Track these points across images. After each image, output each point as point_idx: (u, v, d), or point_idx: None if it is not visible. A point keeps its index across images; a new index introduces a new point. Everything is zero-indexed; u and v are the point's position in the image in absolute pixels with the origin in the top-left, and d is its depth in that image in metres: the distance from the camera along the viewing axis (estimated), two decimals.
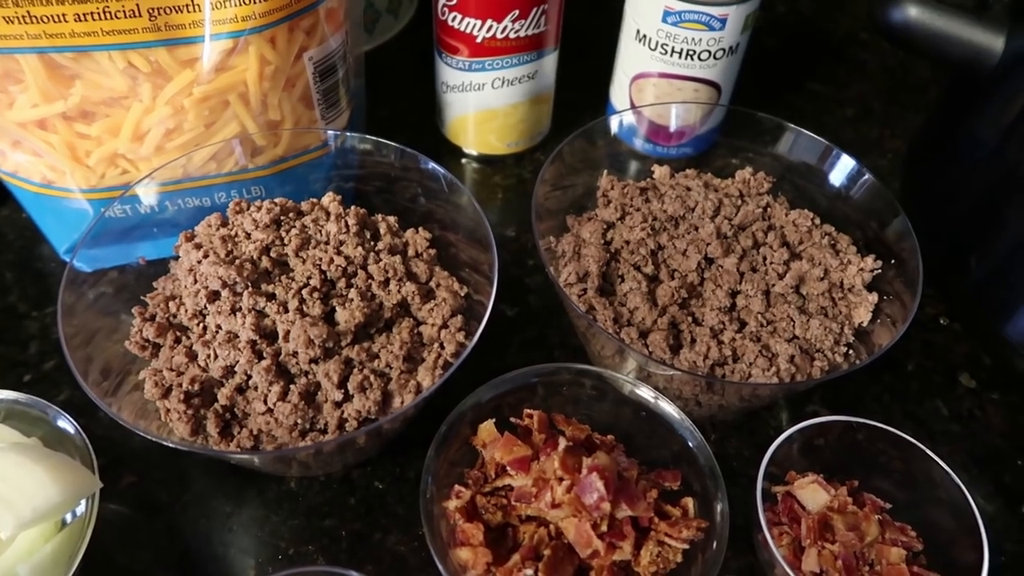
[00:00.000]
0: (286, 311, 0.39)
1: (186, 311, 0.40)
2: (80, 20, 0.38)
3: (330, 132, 0.47)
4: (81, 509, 0.35)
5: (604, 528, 0.35)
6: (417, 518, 0.40)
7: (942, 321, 0.51)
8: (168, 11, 0.40)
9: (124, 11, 0.39)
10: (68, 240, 0.49)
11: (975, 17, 0.43)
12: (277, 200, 0.44)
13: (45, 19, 0.38)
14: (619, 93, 0.57)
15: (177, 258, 0.44)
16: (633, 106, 0.56)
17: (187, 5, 0.40)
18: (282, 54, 0.43)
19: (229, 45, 0.41)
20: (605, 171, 0.49)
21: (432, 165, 0.44)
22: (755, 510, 0.36)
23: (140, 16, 0.39)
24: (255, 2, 0.40)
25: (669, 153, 0.56)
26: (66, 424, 0.36)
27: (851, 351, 0.41)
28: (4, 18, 0.38)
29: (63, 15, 0.38)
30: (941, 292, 0.52)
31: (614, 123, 0.50)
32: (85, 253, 0.49)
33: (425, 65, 0.58)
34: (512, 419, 0.40)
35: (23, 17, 0.38)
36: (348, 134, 0.47)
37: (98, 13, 0.39)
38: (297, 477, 0.42)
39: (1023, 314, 0.45)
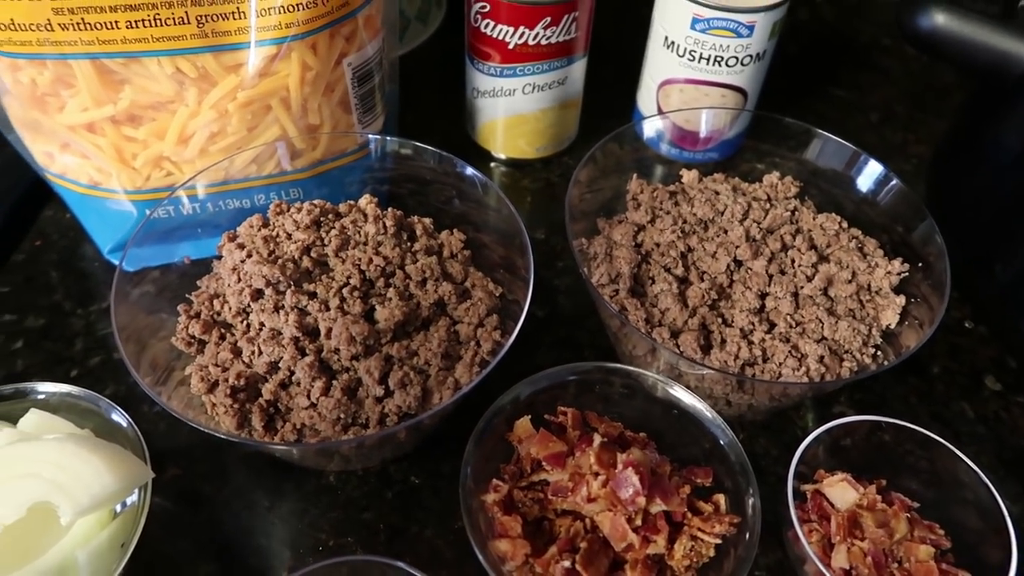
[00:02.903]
0: (327, 309, 0.40)
1: (230, 309, 0.41)
2: (131, 27, 0.40)
3: (372, 136, 0.48)
4: (132, 499, 0.36)
5: (639, 522, 0.36)
6: (452, 512, 0.41)
7: (967, 324, 0.52)
8: (215, 18, 0.41)
9: (174, 18, 0.40)
10: (112, 240, 0.50)
11: (1002, 25, 0.44)
12: (316, 202, 0.46)
13: (98, 26, 0.39)
14: (646, 98, 0.58)
15: (219, 258, 0.45)
16: (661, 111, 0.57)
17: (233, 12, 0.41)
18: (323, 60, 0.44)
19: (273, 51, 0.42)
20: (635, 175, 0.50)
21: (470, 170, 0.45)
22: (786, 507, 0.37)
23: (189, 23, 0.41)
24: (298, 9, 0.41)
25: (696, 158, 0.57)
26: (119, 417, 0.38)
27: (879, 352, 0.42)
28: (59, 24, 0.39)
29: (115, 22, 0.40)
30: (967, 296, 0.52)
31: (644, 128, 0.51)
32: (130, 253, 0.50)
33: (453, 71, 0.59)
34: (546, 416, 0.41)
35: (77, 24, 0.39)
36: (389, 138, 0.48)
37: (149, 20, 0.40)
38: (336, 471, 0.43)
39: None
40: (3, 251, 0.51)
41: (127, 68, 0.41)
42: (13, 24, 0.39)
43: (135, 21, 0.40)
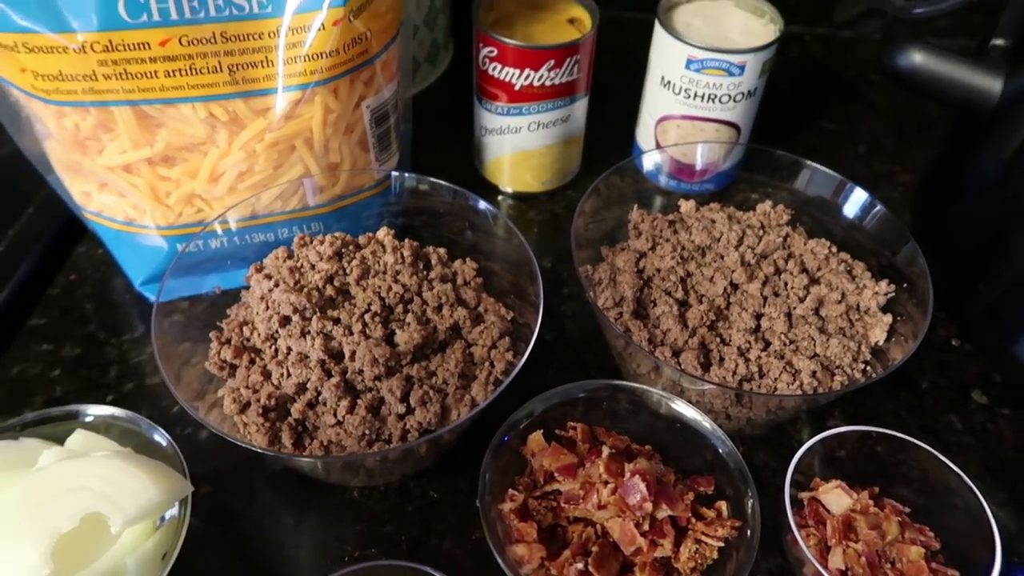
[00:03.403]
0: (351, 334, 0.43)
1: (259, 335, 0.44)
2: (169, 75, 0.43)
3: (393, 173, 0.51)
4: (171, 513, 0.38)
5: (646, 527, 0.38)
6: (470, 523, 0.43)
7: (954, 342, 0.54)
8: (246, 67, 0.44)
9: (208, 67, 0.44)
10: (143, 273, 0.53)
11: (975, 62, 0.47)
12: (337, 234, 0.49)
13: (139, 75, 0.43)
14: (644, 134, 0.62)
15: (246, 288, 0.48)
16: (659, 146, 0.61)
17: (262, 61, 0.45)
18: (344, 103, 0.48)
19: (298, 96, 0.46)
20: (635, 206, 0.53)
21: (482, 203, 0.48)
22: (784, 513, 0.40)
23: (221, 71, 0.44)
24: (322, 58, 0.45)
25: (692, 189, 0.60)
26: (159, 436, 0.40)
27: (868, 367, 0.45)
28: (103, 75, 0.42)
29: (155, 72, 0.43)
30: (953, 315, 0.55)
31: (644, 161, 0.54)
32: (159, 285, 0.53)
33: (459, 110, 0.63)
34: (557, 431, 0.43)
35: (120, 74, 0.43)
36: (407, 174, 0.51)
37: (185, 69, 0.43)
38: (359, 487, 0.45)
39: None
40: (40, 286, 0.54)
41: (164, 113, 0.45)
42: (61, 75, 0.42)
43: (173, 70, 0.43)
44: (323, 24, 0.44)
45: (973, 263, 0.52)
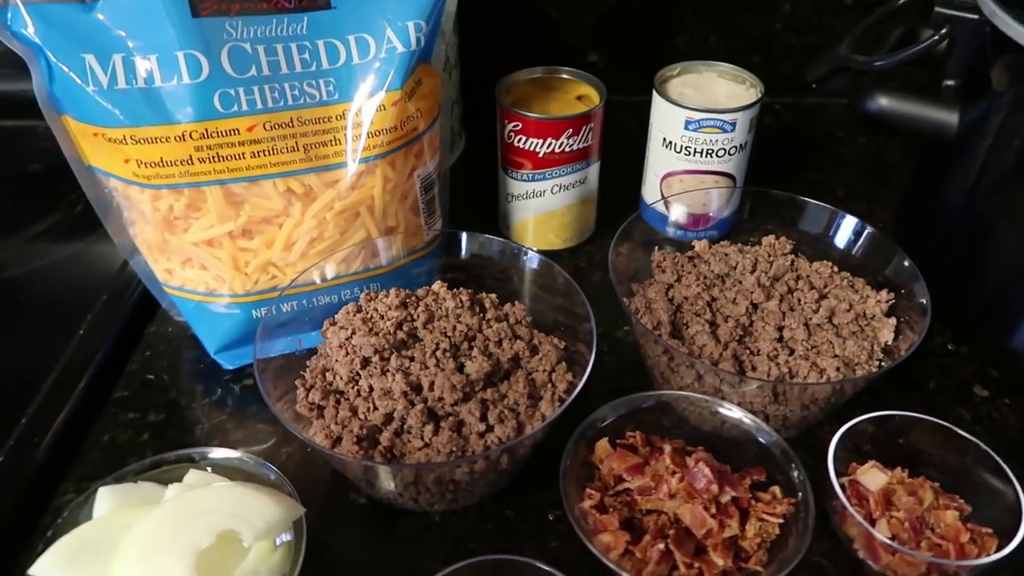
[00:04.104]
0: (426, 368, 0.48)
1: (341, 378, 0.49)
2: (255, 156, 0.50)
3: (463, 232, 0.58)
4: (287, 537, 0.42)
5: (713, 510, 0.43)
6: (545, 535, 0.48)
7: (950, 347, 0.61)
8: (318, 146, 0.51)
9: (286, 147, 0.51)
10: (219, 342, 0.58)
11: (933, 100, 0.56)
12: (399, 288, 0.54)
13: (229, 157, 0.50)
14: (650, 192, 0.69)
15: (309, 352, 0.52)
16: (664, 196, 0.68)
17: (331, 140, 0.52)
18: (399, 173, 0.55)
19: (362, 168, 0.52)
20: (656, 248, 0.59)
21: (533, 254, 0.55)
22: (831, 492, 0.44)
23: (298, 151, 0.51)
24: (382, 134, 0.52)
25: (699, 237, 0.67)
26: (267, 471, 0.45)
27: (882, 363, 0.51)
28: (199, 159, 0.49)
29: (242, 153, 0.50)
30: (946, 323, 0.61)
31: (653, 213, 0.62)
32: (234, 352, 0.58)
33: (476, 186, 0.70)
34: (618, 441, 0.48)
35: (213, 157, 0.49)
36: (468, 232, 0.57)
37: (268, 150, 0.50)
38: (440, 511, 0.49)
39: (1019, 327, 0.54)
40: (119, 363, 0.59)
41: (248, 190, 0.51)
42: (162, 161, 0.49)
43: (257, 152, 0.50)
44: (383, 105, 0.52)
45: (958, 276, 0.59)
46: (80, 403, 0.54)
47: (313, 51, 0.51)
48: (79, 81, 0.47)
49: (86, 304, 0.61)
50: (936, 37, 0.55)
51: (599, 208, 0.71)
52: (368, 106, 0.51)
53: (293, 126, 0.50)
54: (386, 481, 0.46)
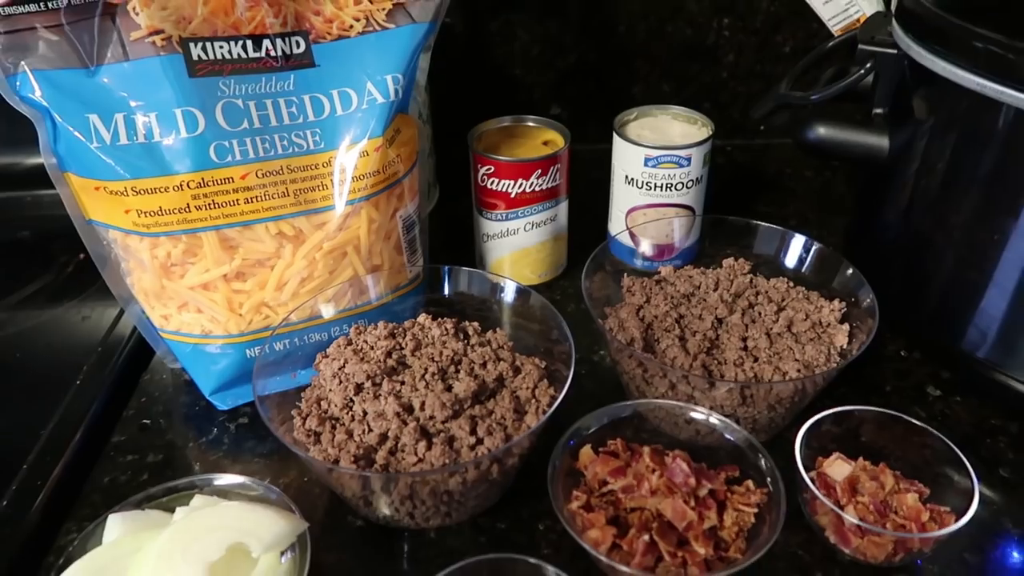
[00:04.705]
0: (417, 390, 0.51)
1: (335, 406, 0.52)
2: (248, 202, 0.54)
3: (446, 267, 0.62)
4: (290, 555, 0.44)
5: (692, 504, 0.46)
6: (537, 544, 0.50)
7: (903, 353, 0.65)
8: (307, 191, 0.55)
9: (277, 193, 0.54)
10: (213, 383, 0.60)
11: (865, 127, 0.61)
12: (386, 322, 0.58)
13: (224, 204, 0.53)
14: (616, 225, 0.74)
15: (301, 389, 0.55)
16: (631, 233, 0.73)
17: (319, 186, 0.56)
18: (383, 213, 0.58)
19: (348, 210, 0.56)
20: (626, 274, 0.64)
21: (512, 283, 0.59)
22: (801, 483, 0.48)
23: (288, 196, 0.55)
24: (366, 178, 0.56)
25: (664, 265, 0.71)
26: (269, 492, 0.47)
27: (839, 365, 0.55)
28: (195, 207, 0.53)
29: (236, 200, 0.53)
30: (898, 332, 0.66)
31: (621, 247, 0.66)
32: (228, 393, 0.61)
33: (451, 234, 0.74)
34: (600, 449, 0.51)
35: (208, 204, 0.53)
36: (445, 267, 0.61)
37: (260, 196, 0.54)
38: (435, 528, 0.51)
39: (967, 328, 0.59)
40: (116, 409, 0.61)
41: (242, 234, 0.55)
42: (160, 210, 0.52)
43: (250, 198, 0.54)
44: (366, 151, 0.56)
45: (904, 288, 0.63)
46: (79, 449, 0.56)
47: (300, 105, 0.55)
48: (83, 139, 0.51)
49: (81, 358, 0.63)
50: (862, 71, 0.61)
51: (570, 246, 0.75)
52: (352, 153, 0.56)
53: (283, 173, 0.54)
54: (383, 497, 0.48)
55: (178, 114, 0.51)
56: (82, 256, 0.74)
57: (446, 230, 0.79)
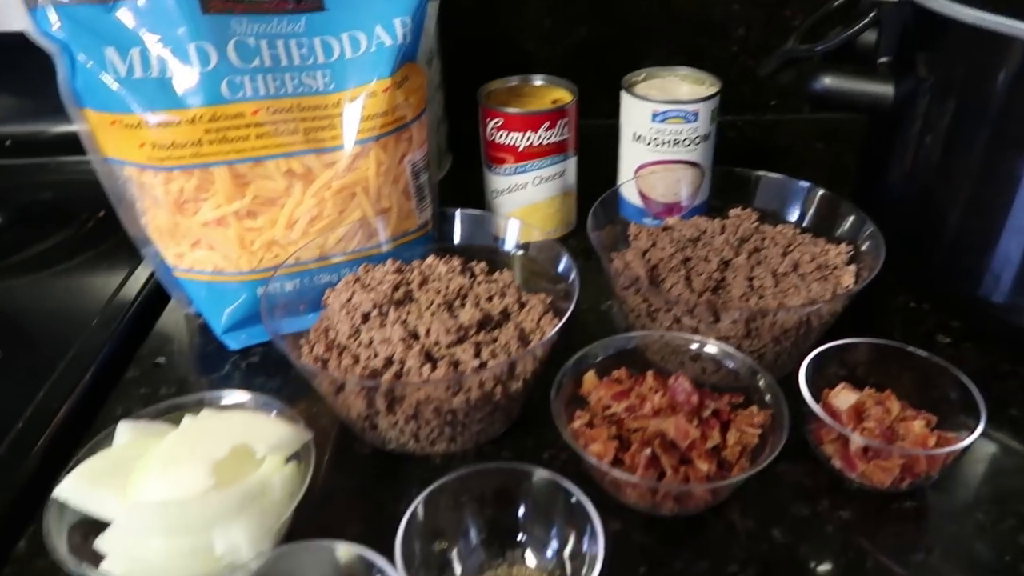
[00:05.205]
0: (422, 318, 0.52)
1: (343, 334, 0.52)
2: (259, 138, 0.55)
3: (452, 210, 0.63)
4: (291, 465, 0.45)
5: (696, 423, 0.46)
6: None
7: (911, 305, 0.65)
8: (317, 129, 0.56)
9: (288, 130, 0.55)
10: (226, 321, 0.61)
11: (870, 75, 0.62)
12: (394, 260, 0.58)
13: (235, 139, 0.54)
14: (626, 186, 0.74)
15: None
16: (642, 193, 0.73)
17: (328, 125, 0.57)
18: (391, 156, 0.59)
19: (357, 150, 0.57)
20: (632, 223, 0.64)
21: (515, 220, 0.60)
22: (806, 410, 0.48)
23: (299, 133, 0.56)
24: (374, 119, 0.57)
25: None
26: (275, 405, 0.47)
27: (845, 294, 0.55)
28: (208, 140, 0.54)
29: (247, 135, 0.54)
30: (907, 284, 0.66)
31: (628, 205, 0.67)
32: (240, 332, 0.62)
33: (462, 200, 0.75)
34: (604, 378, 0.51)
35: (220, 139, 0.54)
36: (447, 209, 0.62)
37: (270, 132, 0.55)
38: (441, 455, 0.52)
39: (982, 274, 0.58)
40: (131, 347, 0.62)
41: (252, 171, 0.56)
42: (174, 144, 0.53)
43: (261, 134, 0.55)
44: (374, 91, 0.57)
45: (912, 240, 0.63)
46: (94, 381, 0.57)
47: (310, 47, 0.57)
48: (100, 73, 0.52)
49: (97, 304, 0.64)
50: (866, 21, 0.61)
51: (579, 210, 0.76)
52: (361, 93, 0.57)
53: (293, 111, 0.56)
54: (388, 417, 0.48)
55: (191, 49, 0.53)
56: (101, 214, 0.76)
57: (457, 197, 0.79)
